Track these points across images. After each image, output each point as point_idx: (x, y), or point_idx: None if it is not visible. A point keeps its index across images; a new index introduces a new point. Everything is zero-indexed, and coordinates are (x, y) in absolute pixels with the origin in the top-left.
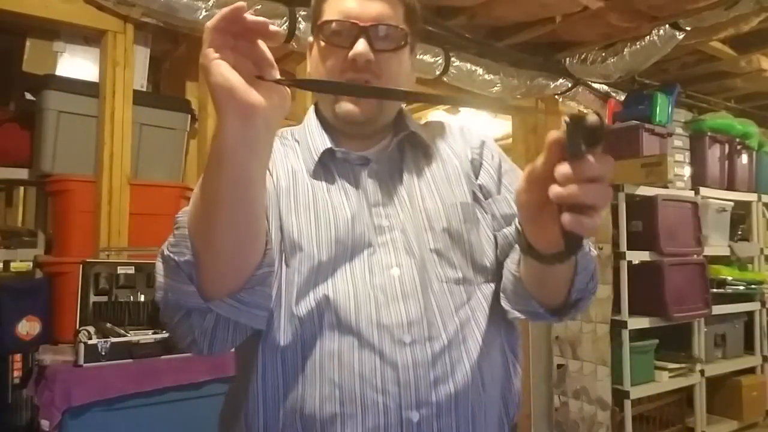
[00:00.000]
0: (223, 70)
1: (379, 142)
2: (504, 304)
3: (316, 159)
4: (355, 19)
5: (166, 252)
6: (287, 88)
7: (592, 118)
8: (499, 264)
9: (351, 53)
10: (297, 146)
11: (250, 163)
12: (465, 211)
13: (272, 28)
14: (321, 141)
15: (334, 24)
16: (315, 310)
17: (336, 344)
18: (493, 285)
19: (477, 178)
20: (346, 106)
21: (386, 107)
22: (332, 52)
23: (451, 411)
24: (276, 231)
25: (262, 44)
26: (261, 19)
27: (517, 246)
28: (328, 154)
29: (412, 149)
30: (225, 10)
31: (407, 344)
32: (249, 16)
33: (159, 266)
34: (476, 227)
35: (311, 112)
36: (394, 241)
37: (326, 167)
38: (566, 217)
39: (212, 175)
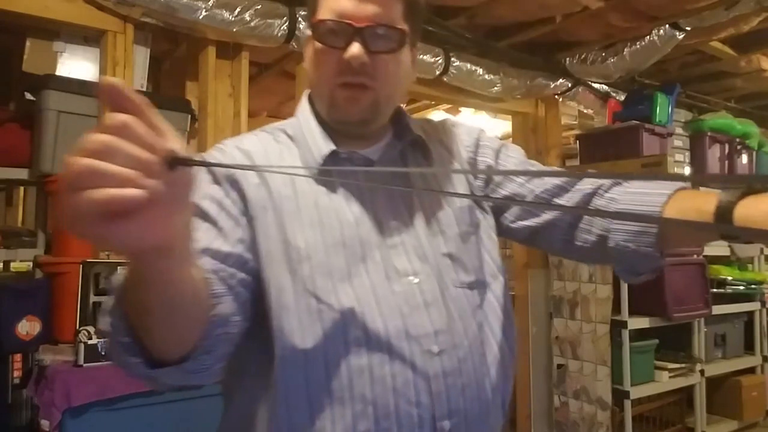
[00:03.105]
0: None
1: (377, 141)
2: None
3: (320, 163)
4: (349, 19)
5: (105, 328)
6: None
7: None
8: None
9: (345, 56)
10: (293, 144)
11: (174, 277)
12: (471, 213)
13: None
14: (324, 143)
15: (328, 23)
16: (339, 323)
17: (366, 359)
18: (502, 282)
19: (476, 178)
20: (342, 106)
21: (383, 108)
22: (327, 53)
23: (476, 417)
24: (278, 244)
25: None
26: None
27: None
28: (331, 156)
29: (413, 151)
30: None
31: (436, 354)
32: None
33: (102, 328)
34: (481, 228)
35: (306, 106)
36: (404, 245)
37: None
38: None
39: (135, 293)
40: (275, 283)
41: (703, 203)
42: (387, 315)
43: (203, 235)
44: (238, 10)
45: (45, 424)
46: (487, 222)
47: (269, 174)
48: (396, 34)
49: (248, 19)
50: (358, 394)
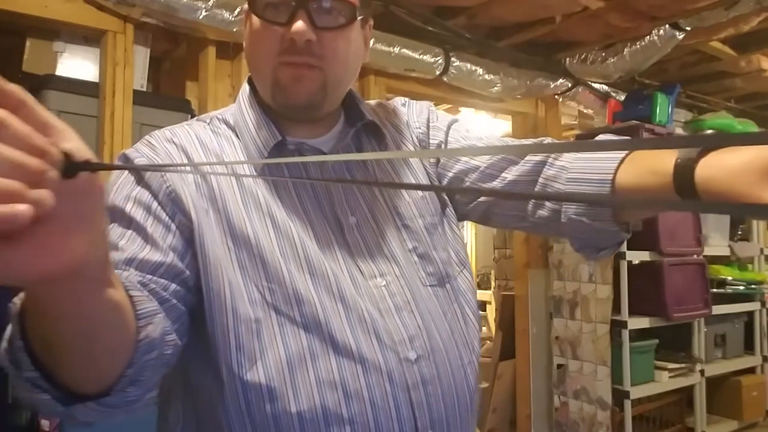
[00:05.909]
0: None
1: (328, 128)
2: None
3: (266, 155)
4: None
5: (5, 357)
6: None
7: None
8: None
9: (289, 32)
10: (234, 135)
11: (85, 307)
12: (433, 202)
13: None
14: (268, 132)
15: None
16: (303, 336)
17: (337, 373)
18: (468, 271)
19: (429, 162)
20: (286, 88)
21: (332, 91)
22: (267, 29)
23: (458, 423)
24: (226, 249)
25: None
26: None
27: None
28: (277, 147)
29: (368, 138)
30: None
31: (414, 361)
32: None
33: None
34: (445, 217)
35: (246, 91)
36: (367, 243)
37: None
38: None
39: (38, 327)
40: (224, 293)
41: (659, 164)
42: (356, 323)
43: (128, 244)
44: (238, 10)
45: (45, 424)
46: (449, 209)
47: (207, 170)
48: (345, 8)
49: None
50: (333, 415)
